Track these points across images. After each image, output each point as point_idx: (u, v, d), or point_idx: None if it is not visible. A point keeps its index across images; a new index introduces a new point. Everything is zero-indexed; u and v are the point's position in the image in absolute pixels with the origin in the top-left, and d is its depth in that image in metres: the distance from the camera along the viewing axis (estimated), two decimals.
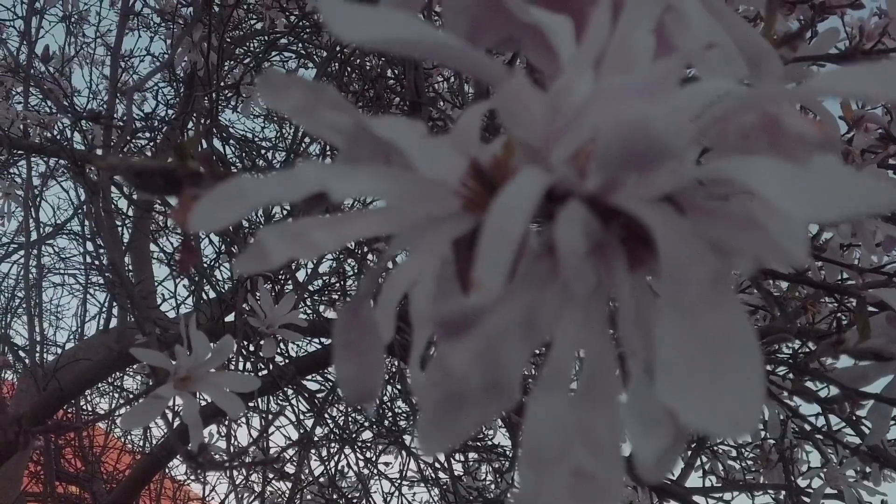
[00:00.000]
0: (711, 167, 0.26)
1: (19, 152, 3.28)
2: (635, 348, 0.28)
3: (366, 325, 0.33)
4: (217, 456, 3.22)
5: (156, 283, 3.80)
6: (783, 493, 2.37)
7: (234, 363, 2.35)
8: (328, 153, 2.95)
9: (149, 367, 1.24)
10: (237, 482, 3.22)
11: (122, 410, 4.13)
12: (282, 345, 2.63)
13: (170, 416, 1.86)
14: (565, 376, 0.29)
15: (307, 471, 3.29)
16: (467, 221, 0.30)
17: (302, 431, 3.04)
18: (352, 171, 0.30)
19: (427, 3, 0.51)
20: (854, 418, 1.47)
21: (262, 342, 1.88)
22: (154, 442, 4.07)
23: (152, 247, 3.80)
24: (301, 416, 3.14)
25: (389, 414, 3.31)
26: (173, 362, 1.21)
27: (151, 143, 3.53)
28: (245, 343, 2.24)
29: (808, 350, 1.82)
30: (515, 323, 0.28)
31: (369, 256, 2.67)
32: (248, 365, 2.50)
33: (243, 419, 2.95)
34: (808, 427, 1.98)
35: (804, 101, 0.31)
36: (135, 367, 3.46)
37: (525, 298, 0.29)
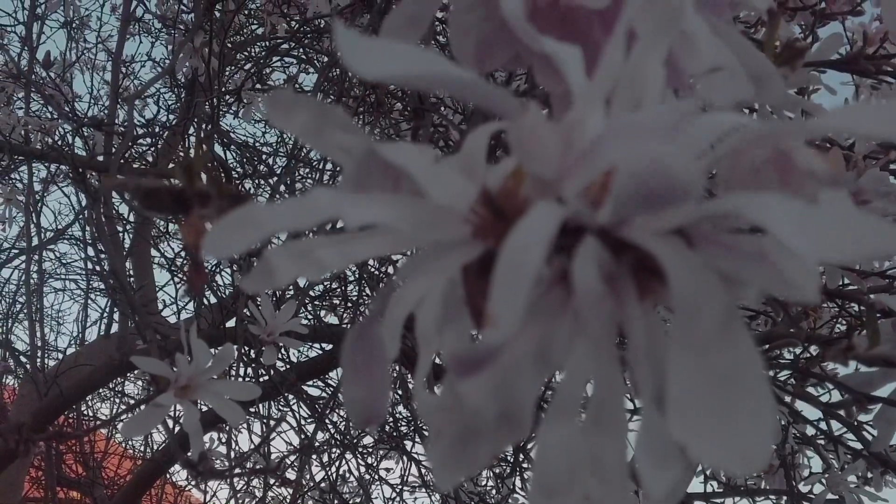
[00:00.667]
0: (723, 203, 0.26)
1: (20, 158, 3.28)
2: (645, 379, 0.28)
3: (374, 347, 0.34)
4: (218, 462, 3.21)
5: (157, 288, 3.81)
6: (785, 498, 2.37)
7: (234, 369, 2.35)
8: (329, 162, 2.95)
9: (149, 375, 1.24)
10: (238, 488, 3.22)
11: (124, 416, 4.13)
12: (283, 350, 2.62)
13: (170, 422, 1.85)
14: (575, 405, 0.29)
15: (308, 476, 3.29)
16: (476, 248, 0.30)
17: (303, 437, 3.03)
18: (364, 199, 0.30)
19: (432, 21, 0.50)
20: (856, 423, 1.47)
21: (262, 349, 1.87)
22: (155, 447, 4.07)
23: (153, 252, 3.80)
24: (302, 422, 3.14)
25: (390, 419, 3.31)
26: (174, 370, 1.21)
27: (152, 149, 3.53)
28: (246, 349, 2.23)
29: (810, 354, 1.82)
30: (528, 355, 0.28)
31: (371, 262, 2.67)
32: (249, 371, 2.50)
33: (244, 425, 2.95)
34: (810, 432, 1.98)
35: (815, 136, 0.31)
36: (136, 372, 3.46)
37: (537, 329, 0.29)
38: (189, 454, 1.29)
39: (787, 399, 1.70)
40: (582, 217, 0.28)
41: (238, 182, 2.99)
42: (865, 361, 1.00)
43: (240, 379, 2.40)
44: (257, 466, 2.92)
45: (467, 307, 0.32)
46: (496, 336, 0.26)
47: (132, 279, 3.48)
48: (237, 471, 1.76)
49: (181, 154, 3.18)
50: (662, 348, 0.28)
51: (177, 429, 1.89)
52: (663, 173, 0.25)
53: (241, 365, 2.39)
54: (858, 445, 1.55)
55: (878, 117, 0.25)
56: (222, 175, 2.69)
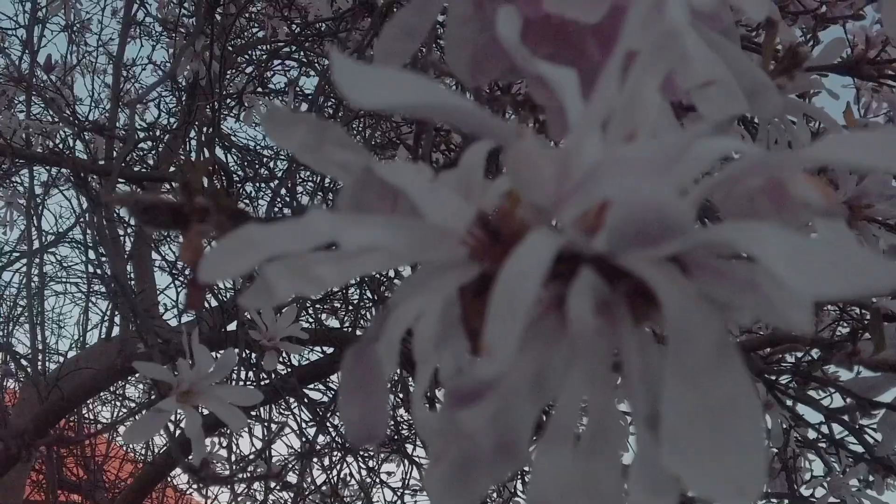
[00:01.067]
0: (716, 232, 0.26)
1: (21, 161, 3.29)
2: (640, 405, 0.28)
3: (371, 369, 0.33)
4: (219, 465, 3.21)
5: (158, 292, 3.80)
6: (786, 501, 2.37)
7: (236, 373, 2.35)
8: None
9: (151, 380, 1.24)
10: (239, 492, 3.22)
11: (125, 420, 4.13)
12: (284, 354, 2.63)
13: (171, 426, 1.85)
14: (570, 431, 0.29)
15: (309, 479, 3.29)
16: (472, 270, 0.30)
17: (304, 440, 3.03)
18: (361, 221, 0.30)
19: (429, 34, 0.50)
20: (858, 427, 1.47)
21: (263, 354, 1.87)
22: (156, 451, 4.07)
23: (154, 255, 3.80)
24: (303, 426, 3.14)
25: (392, 423, 3.30)
26: (176, 375, 1.21)
27: (153, 152, 3.53)
28: (247, 352, 2.23)
29: (812, 358, 1.82)
30: (524, 383, 0.28)
31: None
32: (251, 375, 2.50)
33: (245, 429, 2.95)
34: (811, 436, 1.98)
35: (810, 166, 0.31)
36: (137, 375, 3.46)
37: (532, 357, 0.29)
38: (191, 458, 1.29)
39: (789, 403, 1.69)
40: (577, 245, 0.28)
41: (239, 185, 2.99)
42: (870, 367, 1.00)
43: (241, 383, 2.40)
44: (259, 470, 2.92)
45: (463, 327, 0.32)
46: (492, 367, 0.26)
47: (133, 282, 3.48)
48: (239, 476, 1.76)
49: (181, 158, 3.18)
50: (657, 375, 0.28)
51: (177, 433, 1.89)
52: (656, 211, 0.25)
53: (242, 369, 2.39)
54: (860, 448, 1.55)
55: (875, 148, 0.25)
56: (223, 178, 2.69)
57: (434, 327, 0.30)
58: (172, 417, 1.36)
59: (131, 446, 4.61)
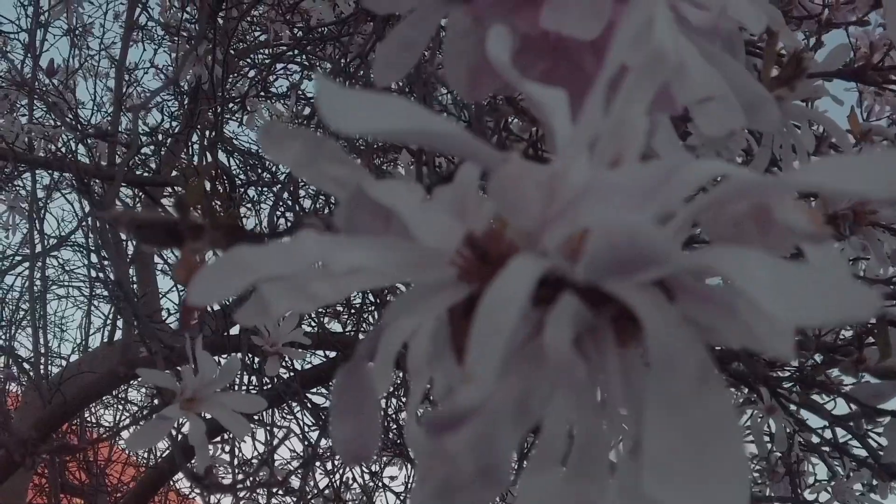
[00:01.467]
0: (699, 257, 0.26)
1: (24, 166, 3.29)
2: (622, 428, 0.28)
3: (363, 387, 0.34)
4: (222, 469, 3.21)
5: (160, 295, 3.81)
6: None
7: (238, 377, 2.34)
8: None
9: (155, 387, 1.24)
10: (242, 496, 3.21)
11: (127, 423, 4.13)
12: (287, 359, 2.62)
13: (173, 431, 1.85)
14: (556, 454, 0.29)
15: (312, 483, 3.29)
16: (461, 291, 0.30)
17: (307, 444, 3.03)
18: (350, 242, 0.30)
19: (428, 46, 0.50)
20: (861, 432, 1.47)
21: (266, 359, 1.87)
22: (158, 455, 4.07)
23: (156, 258, 3.80)
24: (306, 430, 3.14)
25: (394, 426, 3.30)
26: (179, 382, 1.21)
27: (155, 156, 3.53)
28: (250, 356, 2.23)
29: (815, 362, 1.82)
30: (507, 408, 0.28)
31: None
32: (253, 379, 2.50)
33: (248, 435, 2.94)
34: (815, 440, 1.98)
35: (797, 191, 0.31)
36: (139, 379, 3.46)
37: (516, 382, 0.28)
38: (194, 462, 1.29)
39: (793, 408, 1.69)
40: (561, 270, 0.27)
41: (242, 190, 2.98)
42: (876, 374, 1.00)
43: (244, 388, 2.40)
44: (261, 474, 2.91)
45: (452, 348, 0.31)
46: (473, 395, 0.26)
47: (135, 286, 3.48)
48: (243, 485, 1.76)
49: (184, 162, 3.18)
50: (640, 395, 0.28)
51: (179, 436, 1.88)
52: (633, 240, 0.25)
53: (245, 374, 2.39)
54: (863, 453, 1.54)
55: (864, 174, 0.25)
56: (226, 183, 2.69)
57: (426, 346, 0.30)
58: (175, 423, 1.36)
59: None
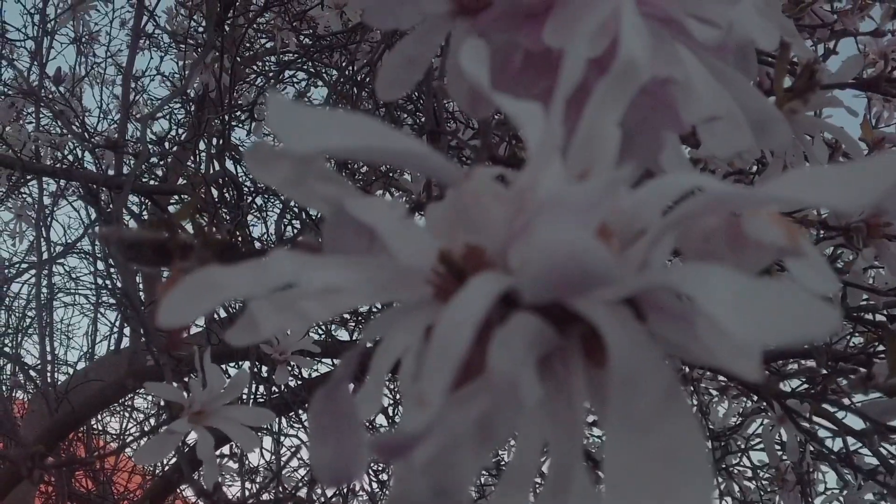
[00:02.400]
0: (661, 276, 0.26)
1: (31, 176, 3.29)
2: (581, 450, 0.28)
3: (342, 409, 0.33)
4: (229, 477, 3.20)
5: None
6: None
7: (247, 386, 2.33)
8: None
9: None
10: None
11: (133, 431, 4.13)
12: (295, 367, 2.62)
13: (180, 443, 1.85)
14: (529, 475, 0.29)
15: (319, 491, 3.28)
16: (437, 310, 0.29)
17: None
18: (325, 262, 0.29)
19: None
20: (874, 448, 1.46)
21: (275, 368, 1.87)
22: (165, 463, 4.07)
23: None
24: None
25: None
26: (187, 395, 1.20)
27: (162, 162, 3.53)
28: (258, 365, 2.23)
29: (826, 371, 1.81)
30: (467, 429, 0.27)
31: None
32: (261, 388, 2.49)
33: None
34: (826, 450, 1.97)
35: (766, 205, 0.31)
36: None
37: (478, 404, 0.28)
38: (201, 472, 1.29)
39: (805, 424, 1.69)
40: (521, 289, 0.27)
41: (249, 197, 2.98)
42: (885, 391, 1.00)
43: (252, 396, 2.40)
44: (266, 480, 2.91)
45: None
46: (421, 419, 0.25)
47: (142, 293, 3.48)
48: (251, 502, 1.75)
49: (191, 169, 3.18)
50: (604, 419, 0.27)
51: (185, 448, 1.88)
52: (574, 260, 0.25)
53: (254, 382, 2.38)
54: (874, 461, 1.54)
55: (836, 186, 0.24)
56: (233, 191, 2.69)
57: (412, 365, 0.30)
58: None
59: None
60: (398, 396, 3.18)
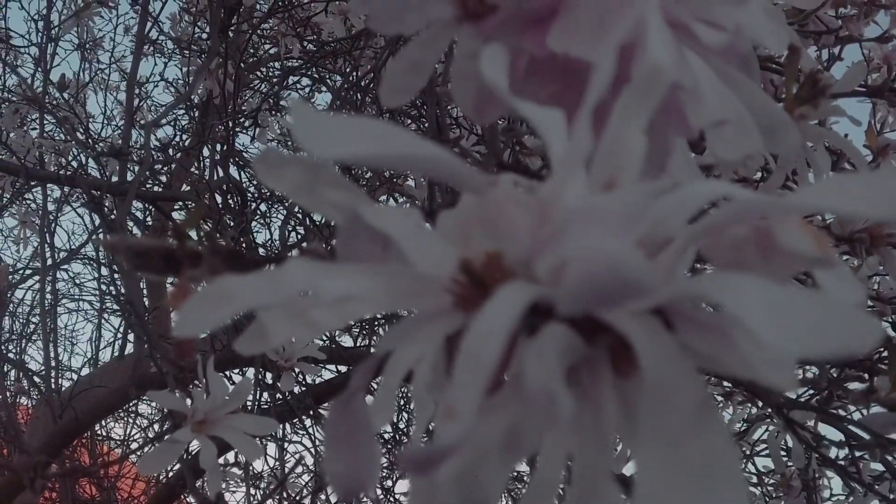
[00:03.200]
0: (693, 286, 0.25)
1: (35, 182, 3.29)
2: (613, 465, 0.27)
3: (357, 419, 0.33)
4: (233, 482, 3.19)
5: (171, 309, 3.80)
6: None
7: (250, 394, 2.33)
8: None
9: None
10: None
11: (137, 437, 4.12)
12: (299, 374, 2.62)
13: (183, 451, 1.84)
14: (553, 487, 0.28)
15: (324, 497, 3.28)
16: (458, 319, 0.29)
17: (318, 456, 3.03)
18: (341, 270, 0.29)
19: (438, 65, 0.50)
20: (877, 460, 1.46)
21: (280, 375, 1.87)
22: (169, 469, 4.07)
23: None
24: (317, 444, 3.13)
25: (405, 440, 3.29)
26: (190, 404, 1.20)
27: (166, 168, 3.53)
28: (262, 371, 2.23)
29: (831, 377, 1.80)
30: (494, 444, 0.27)
31: None
32: (265, 395, 2.49)
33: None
34: (831, 457, 1.97)
35: (797, 214, 0.30)
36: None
37: (505, 414, 0.28)
38: (204, 479, 1.28)
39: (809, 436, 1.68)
40: (551, 300, 0.26)
41: (253, 204, 2.98)
42: (888, 405, 0.99)
43: (256, 403, 2.39)
44: (271, 487, 2.91)
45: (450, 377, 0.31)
46: (454, 432, 0.25)
47: (146, 298, 3.48)
48: None
49: (195, 175, 3.18)
50: (635, 432, 0.27)
51: (188, 456, 1.87)
52: (613, 271, 0.24)
53: (258, 389, 2.38)
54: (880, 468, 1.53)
55: (868, 195, 0.24)
56: (237, 197, 2.69)
57: (427, 375, 0.30)
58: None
59: None
60: (402, 404, 3.18)
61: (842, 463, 2.00)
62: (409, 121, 2.95)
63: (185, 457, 1.78)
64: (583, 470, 0.28)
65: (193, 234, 0.48)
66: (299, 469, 3.61)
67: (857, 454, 1.82)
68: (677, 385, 0.25)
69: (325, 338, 3.12)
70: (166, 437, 1.15)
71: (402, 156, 0.28)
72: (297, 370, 1.91)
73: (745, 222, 0.30)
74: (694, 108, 0.39)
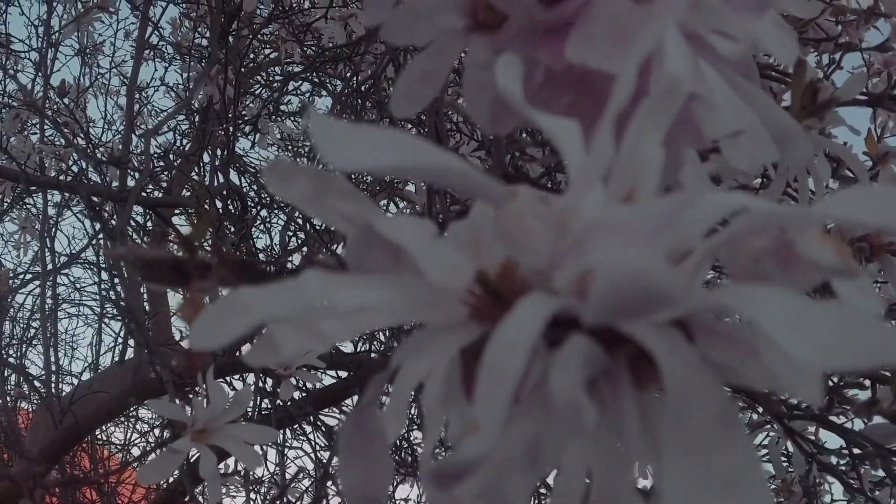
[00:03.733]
0: (717, 297, 0.25)
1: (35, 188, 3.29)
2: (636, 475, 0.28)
3: (372, 432, 0.33)
4: (233, 487, 3.19)
5: (171, 313, 3.80)
6: None
7: (250, 403, 2.32)
8: None
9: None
10: None
11: (137, 440, 4.12)
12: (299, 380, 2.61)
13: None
14: (575, 499, 0.28)
15: (325, 502, 3.27)
16: (473, 331, 0.29)
17: (318, 462, 3.02)
18: (356, 281, 0.29)
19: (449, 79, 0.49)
20: (877, 470, 1.46)
21: (279, 382, 1.86)
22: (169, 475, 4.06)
23: None
24: (318, 449, 3.13)
25: (406, 445, 3.29)
26: (190, 413, 1.19)
27: (166, 174, 3.53)
28: (261, 377, 2.22)
29: (833, 383, 1.80)
30: (518, 454, 0.27)
31: None
32: (265, 402, 2.49)
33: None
34: (832, 460, 1.96)
35: (817, 224, 0.30)
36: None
37: (527, 427, 0.28)
38: (204, 486, 1.28)
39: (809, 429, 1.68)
40: (573, 310, 0.26)
41: (253, 209, 2.98)
42: (889, 416, 0.99)
43: (255, 410, 2.39)
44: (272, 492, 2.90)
45: (465, 390, 0.31)
46: (479, 446, 0.25)
47: (146, 302, 3.47)
48: None
49: (195, 181, 3.18)
50: (659, 444, 0.26)
51: (187, 464, 1.87)
52: (643, 283, 0.24)
53: (258, 396, 2.38)
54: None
55: (886, 206, 0.24)
56: (238, 203, 2.68)
57: (439, 388, 0.29)
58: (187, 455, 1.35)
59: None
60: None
61: (843, 468, 2.00)
62: (410, 126, 2.94)
63: (184, 465, 1.78)
64: (604, 483, 0.28)
65: (199, 243, 0.48)
66: (300, 475, 3.61)
67: (858, 461, 1.82)
68: (700, 397, 0.25)
69: None
70: (166, 446, 1.15)
71: (424, 167, 0.28)
72: (296, 378, 1.91)
73: (763, 234, 0.30)
74: (708, 119, 0.39)
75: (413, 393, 0.31)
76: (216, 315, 0.27)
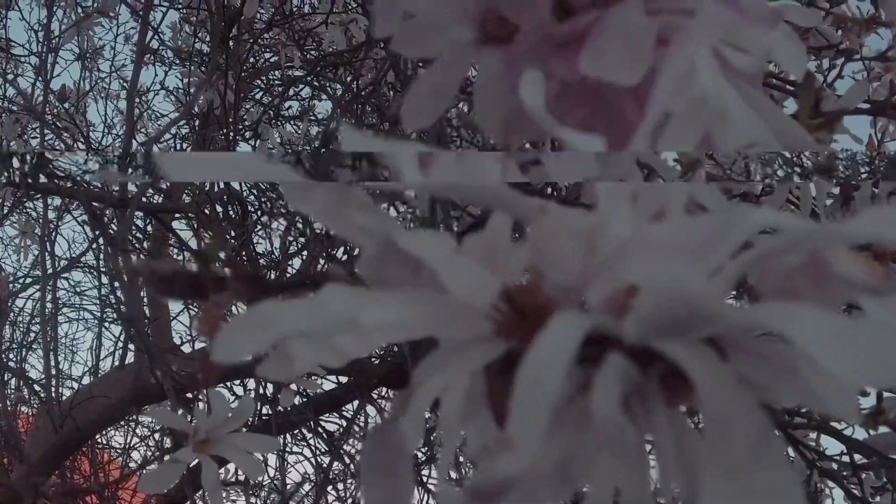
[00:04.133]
0: (752, 314, 0.25)
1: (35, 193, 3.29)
2: (674, 488, 0.27)
3: (395, 449, 0.33)
4: (234, 492, 3.19)
5: (171, 318, 3.80)
6: None
7: (252, 412, 2.32)
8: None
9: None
10: None
11: (137, 445, 4.12)
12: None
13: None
14: None
15: None
16: (498, 347, 0.29)
17: (318, 466, 3.02)
18: (380, 297, 0.29)
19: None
20: (881, 482, 1.46)
21: (280, 390, 1.86)
22: None
23: None
24: (318, 454, 3.13)
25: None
26: (192, 423, 1.19)
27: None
28: (262, 383, 2.22)
29: None
30: (549, 472, 0.27)
31: None
32: (266, 408, 2.48)
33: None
34: (833, 465, 1.96)
35: (851, 243, 0.30)
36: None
37: (558, 444, 0.28)
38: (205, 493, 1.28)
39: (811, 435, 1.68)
40: (606, 328, 0.26)
41: (254, 215, 2.98)
42: (894, 426, 0.99)
43: (257, 415, 2.39)
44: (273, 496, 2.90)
45: (488, 406, 0.31)
46: (516, 464, 0.25)
47: (146, 307, 3.47)
48: None
49: (195, 186, 3.18)
50: (691, 454, 0.27)
51: (187, 471, 1.87)
52: (685, 300, 0.24)
53: (259, 402, 2.38)
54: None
55: None
56: (238, 208, 2.68)
57: (460, 404, 0.29)
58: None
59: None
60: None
61: (844, 474, 1.99)
62: (412, 132, 2.94)
63: (184, 473, 1.78)
64: (631, 499, 0.28)
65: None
66: (298, 478, 3.61)
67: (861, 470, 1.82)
68: (738, 416, 0.25)
69: None
70: (167, 456, 1.14)
71: (454, 183, 0.28)
72: (296, 385, 1.91)
73: (797, 251, 0.30)
74: (722, 132, 0.39)
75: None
76: (239, 329, 0.27)
